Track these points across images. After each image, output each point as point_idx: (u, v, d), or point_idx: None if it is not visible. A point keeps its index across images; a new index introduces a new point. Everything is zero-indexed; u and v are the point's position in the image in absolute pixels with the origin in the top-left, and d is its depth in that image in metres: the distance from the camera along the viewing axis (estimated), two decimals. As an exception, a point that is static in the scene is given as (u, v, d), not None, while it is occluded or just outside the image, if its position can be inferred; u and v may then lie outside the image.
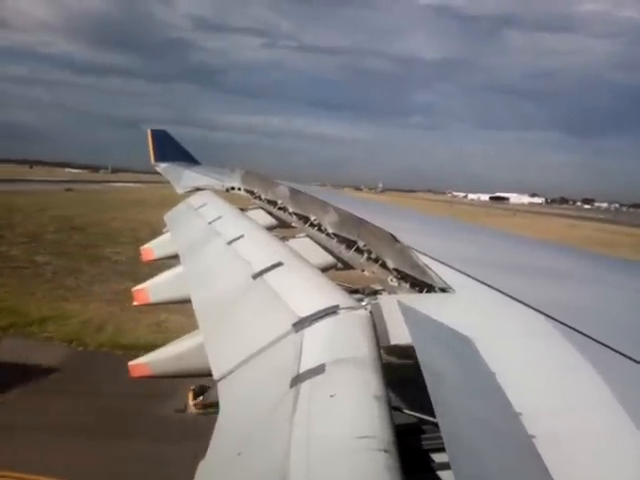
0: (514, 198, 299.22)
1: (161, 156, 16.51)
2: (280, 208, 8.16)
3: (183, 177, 13.13)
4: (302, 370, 2.57)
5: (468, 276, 3.86)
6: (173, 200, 11.24)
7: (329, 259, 5.98)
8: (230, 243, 5.74)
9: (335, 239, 5.88)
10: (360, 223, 5.11)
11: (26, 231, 48.55)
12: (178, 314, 25.32)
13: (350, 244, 5.37)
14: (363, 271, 5.04)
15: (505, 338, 2.93)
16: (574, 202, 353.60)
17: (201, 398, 18.32)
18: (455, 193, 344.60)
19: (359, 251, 5.14)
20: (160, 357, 5.19)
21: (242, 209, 8.49)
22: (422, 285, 3.82)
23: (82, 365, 20.57)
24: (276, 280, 4.14)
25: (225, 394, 2.99)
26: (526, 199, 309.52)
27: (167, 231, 8.91)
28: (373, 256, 4.82)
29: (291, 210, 7.66)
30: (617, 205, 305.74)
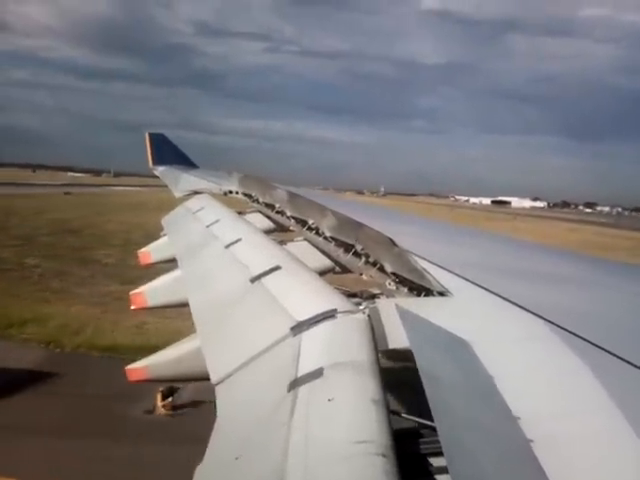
0: (516, 202, 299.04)
1: (159, 159, 16.50)
2: (278, 212, 8.15)
3: (181, 180, 13.12)
4: (300, 374, 2.56)
5: (466, 280, 3.86)
6: (171, 204, 11.25)
7: (327, 263, 5.98)
8: (228, 247, 5.73)
9: (333, 243, 5.87)
10: (358, 227, 5.11)
11: (20, 234, 48.62)
12: (160, 317, 25.37)
13: (348, 248, 5.37)
14: (361, 275, 5.04)
15: (503, 342, 2.92)
16: (576, 206, 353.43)
17: (170, 399, 18.45)
18: (458, 197, 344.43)
19: (357, 255, 5.14)
20: (158, 361, 5.17)
21: (240, 213, 8.48)
22: (420, 289, 3.82)
23: (56, 366, 20.55)
24: (274, 284, 4.13)
25: (223, 398, 2.98)
26: (528, 203, 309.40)
27: (165, 235, 8.89)
28: (371, 260, 4.81)
29: (289, 214, 7.66)
30: (619, 209, 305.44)
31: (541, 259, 6.39)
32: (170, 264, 7.34)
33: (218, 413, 2.82)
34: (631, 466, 1.91)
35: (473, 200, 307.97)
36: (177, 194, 11.38)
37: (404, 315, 2.92)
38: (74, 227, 54.87)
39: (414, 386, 2.11)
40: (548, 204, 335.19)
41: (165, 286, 6.65)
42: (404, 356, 2.60)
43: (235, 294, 4.42)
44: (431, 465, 2.08)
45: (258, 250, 5.51)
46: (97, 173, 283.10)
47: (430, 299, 3.59)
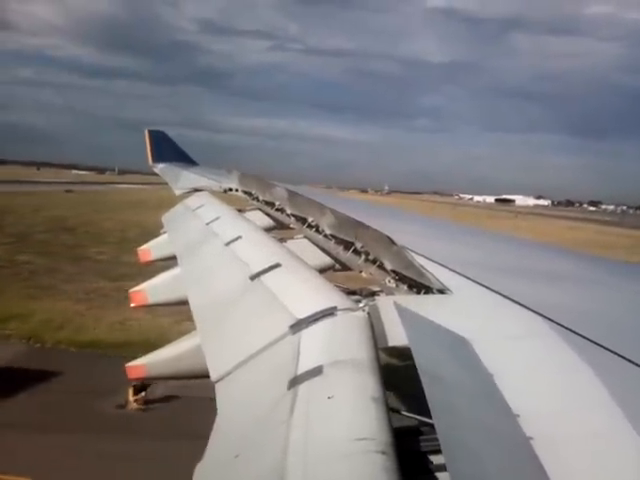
0: (520, 200, 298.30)
1: (159, 157, 16.47)
2: (278, 209, 8.15)
3: (181, 178, 13.11)
4: (300, 372, 2.56)
5: (466, 278, 3.86)
6: (171, 201, 11.26)
7: (327, 260, 5.98)
8: (228, 244, 5.73)
9: (333, 240, 5.87)
10: (356, 225, 5.11)
11: (15, 231, 48.78)
12: (144, 313, 25.72)
13: (348, 245, 5.37)
14: (361, 272, 5.04)
15: (503, 339, 2.93)
16: (580, 204, 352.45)
17: (143, 394, 18.57)
18: (462, 195, 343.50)
19: (357, 252, 5.14)
20: (157, 359, 5.18)
21: (240, 210, 8.48)
22: (420, 286, 3.82)
23: (33, 362, 20.76)
24: (274, 281, 4.13)
25: (223, 396, 2.98)
26: (532, 201, 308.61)
27: (165, 232, 8.89)
28: (371, 257, 4.81)
29: (289, 211, 7.65)
30: (624, 207, 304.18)
31: (540, 257, 6.39)
32: (170, 262, 7.34)
33: (218, 411, 2.82)
34: (630, 463, 1.92)
35: (477, 198, 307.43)
36: (177, 192, 11.37)
37: (403, 313, 2.92)
38: (70, 225, 54.99)
39: (414, 384, 2.12)
40: (552, 202, 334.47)
41: (165, 284, 6.65)
42: (404, 354, 2.60)
43: (235, 292, 4.42)
44: (431, 462, 2.08)
45: (258, 248, 5.51)
46: (101, 171, 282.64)
47: (429, 297, 3.59)
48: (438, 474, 2.02)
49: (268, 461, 1.98)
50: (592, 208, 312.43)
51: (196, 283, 5.43)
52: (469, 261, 4.77)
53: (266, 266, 4.43)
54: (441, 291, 3.57)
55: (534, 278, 4.49)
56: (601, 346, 2.70)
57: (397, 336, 2.79)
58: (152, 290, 6.85)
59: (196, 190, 10.82)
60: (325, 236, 6.07)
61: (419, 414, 2.29)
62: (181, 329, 24.78)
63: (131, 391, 18.46)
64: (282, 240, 6.13)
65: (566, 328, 2.90)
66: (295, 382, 2.47)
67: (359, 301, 3.43)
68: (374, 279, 4.69)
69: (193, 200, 10.02)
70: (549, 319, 3.02)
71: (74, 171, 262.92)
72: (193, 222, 8.16)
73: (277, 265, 4.42)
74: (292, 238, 6.57)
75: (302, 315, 3.22)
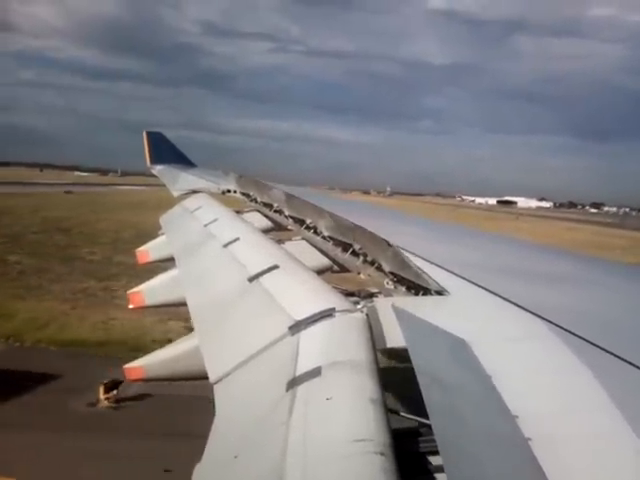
0: (522, 202, 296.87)
1: (157, 158, 16.44)
2: (276, 211, 8.15)
3: (179, 180, 13.09)
4: (298, 373, 2.56)
5: (464, 279, 3.86)
6: (170, 202, 11.26)
7: (325, 262, 5.98)
8: (226, 246, 5.72)
9: (331, 242, 5.87)
10: (354, 228, 5.11)
11: (10, 232, 48.83)
12: (128, 313, 25.95)
13: (346, 247, 5.37)
14: (359, 274, 5.04)
15: (500, 341, 2.93)
16: (583, 206, 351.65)
17: (115, 392, 18.59)
18: (464, 197, 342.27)
19: (355, 254, 5.14)
20: (155, 360, 5.16)
21: (238, 212, 8.48)
22: (418, 288, 3.82)
23: (7, 360, 20.86)
24: (272, 283, 4.13)
25: (221, 397, 2.98)
26: (534, 203, 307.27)
27: (162, 234, 8.88)
28: (369, 259, 4.81)
29: (287, 213, 7.65)
30: (627, 209, 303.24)
31: (539, 258, 6.40)
32: (167, 263, 7.33)
33: (217, 412, 2.82)
34: (629, 464, 1.92)
35: (479, 200, 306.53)
36: (175, 193, 11.35)
37: (400, 314, 2.92)
38: (65, 225, 55.07)
39: (413, 385, 2.12)
40: (554, 204, 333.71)
41: (163, 285, 6.64)
42: (402, 355, 2.60)
43: (233, 293, 4.41)
44: (430, 463, 2.08)
45: (256, 249, 5.51)
46: (104, 172, 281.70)
47: (427, 298, 3.59)
48: (437, 475, 2.02)
49: (267, 462, 1.98)
50: (594, 210, 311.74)
51: (194, 285, 5.42)
52: (467, 262, 4.77)
53: (264, 268, 4.43)
54: (439, 293, 3.57)
55: (532, 279, 4.49)
56: (599, 347, 2.71)
57: (395, 337, 2.79)
58: (150, 292, 6.83)
59: (194, 192, 10.81)
60: (323, 238, 6.07)
61: (417, 415, 2.29)
62: (163, 328, 24.95)
63: (102, 389, 18.52)
64: (280, 242, 6.13)
65: (564, 329, 2.90)
66: (294, 383, 2.47)
67: (357, 302, 3.43)
68: (372, 281, 4.69)
69: (191, 201, 10.01)
70: (547, 320, 3.02)
71: (76, 173, 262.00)
72: (191, 223, 8.15)
73: (275, 267, 4.42)
74: (290, 240, 6.57)
75: (300, 316, 3.22)
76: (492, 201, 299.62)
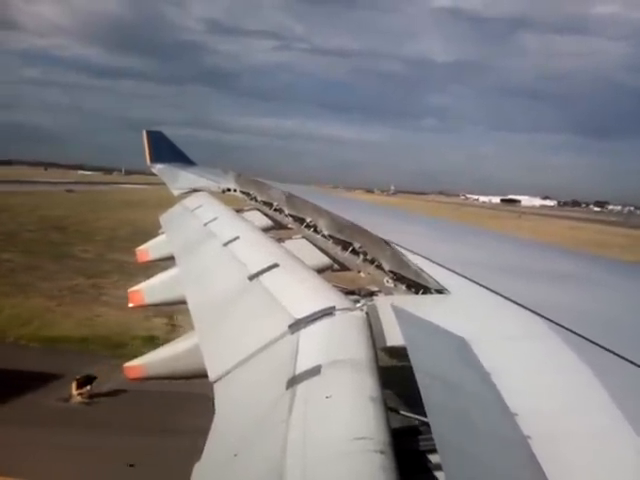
0: (526, 201, 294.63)
1: (157, 157, 16.44)
2: (276, 209, 8.15)
3: (179, 178, 13.09)
4: (298, 372, 2.56)
5: (464, 278, 3.86)
6: (170, 201, 11.27)
7: (325, 260, 5.98)
8: (226, 244, 5.72)
9: (331, 240, 5.87)
10: (353, 228, 5.11)
11: (5, 230, 48.83)
12: (114, 310, 25.86)
13: (346, 245, 5.37)
14: (359, 272, 5.04)
15: (500, 339, 2.93)
16: (587, 205, 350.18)
17: (88, 388, 18.64)
18: (468, 195, 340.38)
19: (355, 252, 5.14)
20: (156, 359, 5.17)
21: (238, 210, 8.48)
22: (418, 287, 3.82)
23: None
24: (272, 281, 4.13)
25: (221, 395, 2.98)
26: (538, 202, 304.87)
27: (163, 232, 8.88)
28: (369, 257, 4.81)
29: (287, 212, 7.65)
30: (632, 208, 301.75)
31: (539, 257, 6.40)
32: (167, 262, 7.34)
33: (216, 410, 2.82)
34: (629, 463, 1.92)
35: (482, 199, 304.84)
36: (175, 192, 11.35)
37: (400, 313, 2.92)
38: (62, 224, 55.05)
39: (412, 383, 2.12)
40: (558, 203, 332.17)
41: (163, 284, 6.64)
42: (402, 353, 2.60)
43: (233, 292, 4.41)
44: (430, 462, 2.08)
45: (256, 248, 5.51)
46: (108, 171, 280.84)
47: (428, 297, 3.59)
48: (436, 473, 2.02)
49: (267, 460, 1.98)
50: (597, 209, 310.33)
51: (194, 283, 5.43)
52: (468, 261, 4.77)
53: (264, 266, 4.43)
54: (439, 291, 3.57)
55: (533, 278, 4.49)
56: (599, 346, 2.71)
57: (395, 336, 2.79)
58: (150, 290, 6.84)
59: (194, 190, 10.81)
60: (323, 236, 6.07)
61: (417, 414, 2.29)
62: (146, 325, 25.03)
63: (74, 385, 18.60)
64: (280, 240, 6.13)
65: (565, 328, 2.90)
66: (294, 382, 2.47)
67: (357, 301, 3.43)
68: (372, 279, 4.69)
69: (191, 200, 10.01)
70: (548, 319, 3.02)
71: (80, 172, 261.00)
72: (191, 222, 8.15)
73: (275, 265, 4.42)
74: (290, 238, 6.57)
75: (300, 315, 3.22)
76: (496, 199, 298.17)
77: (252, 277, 4.33)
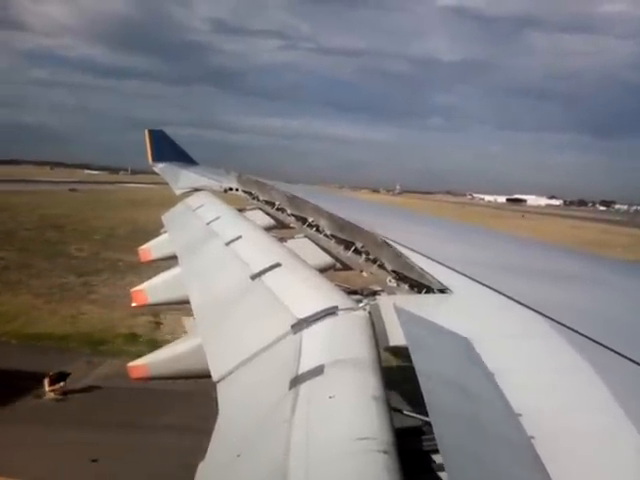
0: (532, 200, 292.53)
1: (159, 156, 16.46)
2: (278, 209, 8.14)
3: (181, 177, 13.09)
4: (301, 371, 2.56)
5: (467, 277, 3.86)
6: (173, 200, 11.26)
7: (328, 260, 5.98)
8: (228, 244, 5.73)
9: (333, 240, 5.87)
10: (354, 229, 5.11)
11: (4, 228, 49.00)
12: (100, 308, 26.10)
13: (348, 245, 5.37)
14: (362, 272, 5.04)
15: (503, 339, 2.93)
16: (593, 204, 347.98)
17: (62, 384, 18.69)
18: (475, 195, 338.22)
19: (357, 252, 5.14)
20: (159, 359, 5.18)
21: (240, 210, 8.48)
22: (421, 286, 3.82)
23: None
24: (274, 281, 4.13)
25: (224, 395, 2.99)
26: (544, 201, 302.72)
27: (165, 232, 8.88)
28: (371, 257, 4.81)
29: (289, 211, 7.65)
30: (638, 207, 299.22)
31: (542, 256, 6.39)
32: (169, 261, 7.34)
33: (220, 410, 2.82)
34: (632, 462, 1.92)
35: (488, 198, 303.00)
36: (177, 191, 11.35)
37: (402, 313, 2.92)
38: (60, 222, 55.09)
39: (415, 383, 2.12)
40: (564, 202, 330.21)
41: (166, 283, 6.65)
42: (405, 353, 2.60)
43: (236, 291, 4.42)
44: (433, 462, 2.08)
45: (258, 247, 5.51)
46: (114, 170, 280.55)
47: (430, 296, 3.59)
48: (440, 473, 2.02)
49: (270, 460, 1.98)
50: (603, 208, 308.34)
51: (197, 283, 5.43)
52: (470, 260, 4.77)
53: (267, 266, 4.43)
54: (442, 291, 3.57)
55: (535, 277, 4.49)
56: (602, 345, 2.71)
57: (398, 336, 2.80)
58: (152, 290, 6.85)
59: (196, 190, 10.81)
60: (326, 235, 6.06)
61: (421, 413, 2.29)
62: (130, 323, 25.11)
63: (47, 381, 18.65)
64: (283, 239, 6.13)
65: (567, 327, 2.90)
66: (296, 382, 2.47)
67: (360, 301, 3.43)
68: (375, 278, 4.69)
69: (193, 199, 10.01)
70: (550, 318, 3.02)
71: (86, 171, 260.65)
72: (193, 222, 8.15)
73: (278, 265, 4.42)
74: (293, 237, 6.57)
75: (303, 315, 3.22)
76: (501, 199, 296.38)
77: (254, 276, 4.33)
